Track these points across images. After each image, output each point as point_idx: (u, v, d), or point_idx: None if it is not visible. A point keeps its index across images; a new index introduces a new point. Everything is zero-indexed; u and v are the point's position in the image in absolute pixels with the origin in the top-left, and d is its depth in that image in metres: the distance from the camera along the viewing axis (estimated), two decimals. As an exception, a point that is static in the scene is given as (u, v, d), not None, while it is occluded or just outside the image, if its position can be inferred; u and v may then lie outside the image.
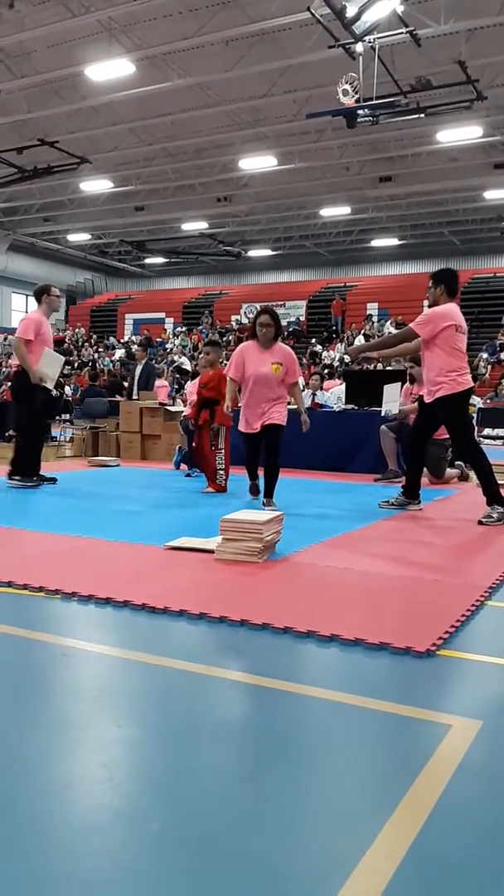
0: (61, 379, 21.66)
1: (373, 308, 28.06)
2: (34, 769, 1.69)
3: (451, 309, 5.31)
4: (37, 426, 6.83)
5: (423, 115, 13.08)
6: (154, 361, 26.62)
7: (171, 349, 28.15)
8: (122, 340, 31.47)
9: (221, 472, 6.62)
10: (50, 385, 6.71)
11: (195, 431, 6.86)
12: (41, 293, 6.76)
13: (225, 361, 9.01)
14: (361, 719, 1.99)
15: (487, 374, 22.67)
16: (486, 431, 14.70)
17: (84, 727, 1.92)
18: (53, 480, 6.86)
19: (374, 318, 27.00)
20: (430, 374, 5.28)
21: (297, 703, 2.10)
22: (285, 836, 1.43)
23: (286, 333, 27.75)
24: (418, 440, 5.61)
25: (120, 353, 29.62)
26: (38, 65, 14.72)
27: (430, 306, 5.48)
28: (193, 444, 6.95)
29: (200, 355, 7.22)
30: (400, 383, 7.93)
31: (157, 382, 13.50)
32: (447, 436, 6.54)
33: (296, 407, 6.04)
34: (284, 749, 1.81)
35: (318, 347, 26.19)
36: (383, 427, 7.64)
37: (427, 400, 5.34)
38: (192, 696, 2.14)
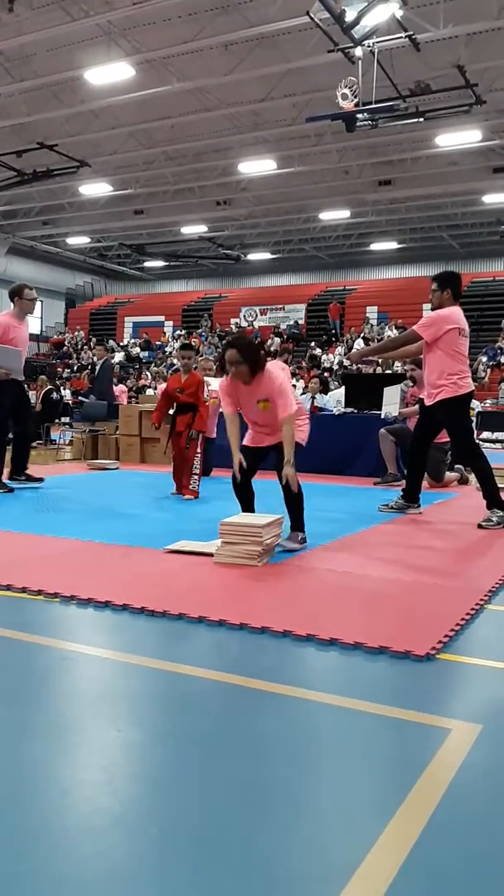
0: (58, 381, 21.68)
1: (372, 311, 28.12)
2: (33, 773, 1.69)
3: (455, 312, 5.30)
4: (18, 424, 6.72)
5: (422, 119, 13.10)
6: (154, 364, 26.70)
7: (171, 352, 28.17)
8: (121, 343, 31.50)
9: (196, 476, 6.48)
10: (18, 377, 6.53)
11: (171, 437, 6.64)
12: (14, 294, 6.60)
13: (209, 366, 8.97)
14: (361, 723, 1.98)
15: (487, 378, 22.72)
16: (486, 435, 14.71)
17: (83, 731, 1.91)
18: (40, 480, 6.80)
19: (373, 322, 27.06)
20: (432, 378, 5.26)
21: (296, 706, 2.09)
22: (285, 840, 1.43)
23: (286, 336, 27.81)
24: (420, 444, 5.60)
25: (119, 356, 29.66)
26: (37, 68, 14.74)
27: (433, 309, 5.45)
28: (174, 452, 6.63)
29: (183, 360, 6.79)
30: (400, 386, 7.93)
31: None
32: (447, 439, 6.54)
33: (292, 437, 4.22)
34: (284, 753, 1.80)
35: (318, 351, 26.24)
36: (382, 430, 7.64)
37: (427, 403, 5.33)
38: (191, 700, 2.13)
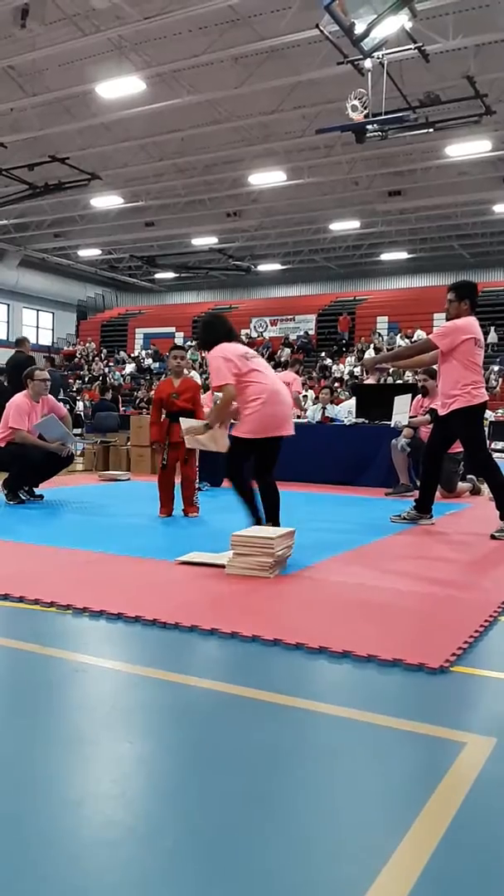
0: (72, 393, 21.81)
1: (382, 321, 28.12)
2: (46, 785, 1.68)
3: (471, 322, 5.27)
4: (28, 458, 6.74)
5: (431, 130, 13.13)
6: (164, 375, 26.73)
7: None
8: (132, 355, 31.62)
9: (197, 490, 6.16)
10: (70, 441, 6.73)
11: (167, 449, 5.97)
12: (26, 377, 6.77)
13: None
14: (375, 736, 1.97)
15: (498, 388, 22.67)
16: (496, 445, 14.66)
17: (95, 743, 1.91)
18: (40, 497, 6.79)
19: (384, 332, 27.06)
20: (446, 388, 5.24)
21: (309, 719, 2.08)
22: (299, 855, 1.42)
23: (296, 347, 27.85)
24: (433, 454, 5.57)
25: (130, 367, 29.77)
26: (49, 83, 14.87)
27: (449, 319, 5.38)
28: (166, 464, 5.97)
29: (176, 360, 6.20)
30: (410, 395, 7.92)
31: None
32: (459, 449, 6.52)
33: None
34: (297, 766, 1.79)
35: (329, 361, 26.26)
36: (394, 441, 7.63)
37: (441, 413, 5.32)
38: (203, 712, 2.13)
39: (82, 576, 3.74)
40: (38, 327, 33.66)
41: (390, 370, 17.95)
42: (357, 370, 23.87)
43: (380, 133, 12.13)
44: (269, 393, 4.38)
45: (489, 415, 16.78)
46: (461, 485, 7.80)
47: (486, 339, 24.80)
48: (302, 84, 14.33)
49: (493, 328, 25.22)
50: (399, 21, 9.14)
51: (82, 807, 1.59)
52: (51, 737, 1.94)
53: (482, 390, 5.25)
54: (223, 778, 1.72)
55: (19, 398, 6.64)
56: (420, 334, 24.43)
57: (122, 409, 16.10)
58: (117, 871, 1.36)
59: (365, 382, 12.38)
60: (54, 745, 1.89)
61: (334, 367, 25.67)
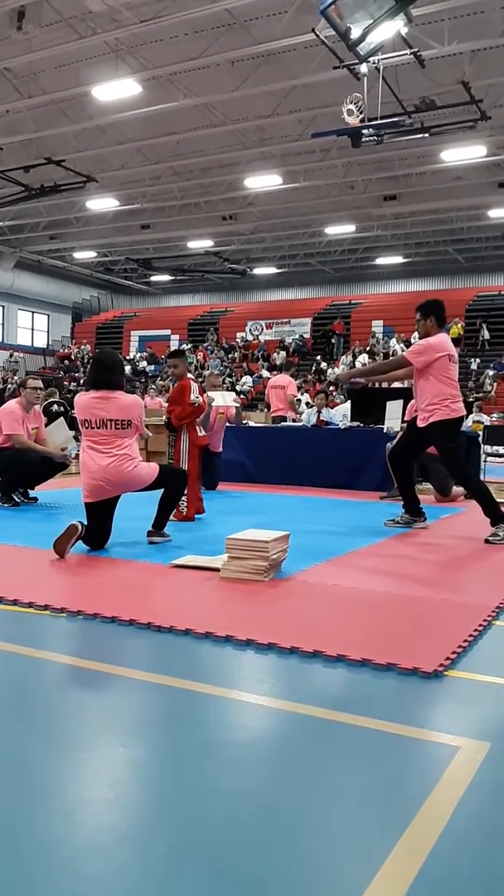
0: (68, 395, 21.75)
1: (378, 325, 28.17)
2: (39, 790, 1.68)
3: (444, 339, 5.46)
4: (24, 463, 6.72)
5: (427, 135, 13.16)
6: (159, 378, 26.76)
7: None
8: (127, 357, 31.60)
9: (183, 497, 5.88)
10: (71, 445, 6.75)
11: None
12: (20, 385, 6.80)
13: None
14: (368, 741, 1.97)
15: (493, 392, 22.71)
16: (489, 448, 14.64)
17: (89, 748, 1.91)
18: (35, 500, 6.80)
19: (379, 336, 27.10)
20: (423, 402, 5.41)
21: (303, 723, 2.08)
22: (294, 859, 1.42)
23: (291, 350, 27.87)
24: (404, 458, 5.72)
25: (125, 370, 29.72)
26: (45, 85, 14.86)
27: (421, 337, 5.59)
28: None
29: (170, 370, 6.68)
30: (402, 400, 7.94)
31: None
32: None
33: None
34: (291, 770, 1.79)
35: (324, 365, 26.28)
36: (389, 444, 7.63)
37: (420, 424, 5.42)
38: (197, 717, 2.12)
39: (76, 579, 3.74)
40: (33, 329, 33.63)
41: (369, 384, 17.93)
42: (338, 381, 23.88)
43: (375, 137, 12.16)
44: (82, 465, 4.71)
45: (485, 419, 16.82)
46: (455, 489, 7.80)
47: (478, 335, 24.95)
48: (298, 88, 14.35)
49: (484, 326, 25.24)
50: (395, 26, 9.16)
51: (76, 811, 1.59)
52: (45, 741, 1.94)
53: (460, 404, 5.45)
54: (217, 783, 1.72)
55: (12, 405, 6.64)
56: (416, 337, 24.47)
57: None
58: (111, 877, 1.36)
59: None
60: (48, 750, 1.88)
61: (329, 371, 25.69)
